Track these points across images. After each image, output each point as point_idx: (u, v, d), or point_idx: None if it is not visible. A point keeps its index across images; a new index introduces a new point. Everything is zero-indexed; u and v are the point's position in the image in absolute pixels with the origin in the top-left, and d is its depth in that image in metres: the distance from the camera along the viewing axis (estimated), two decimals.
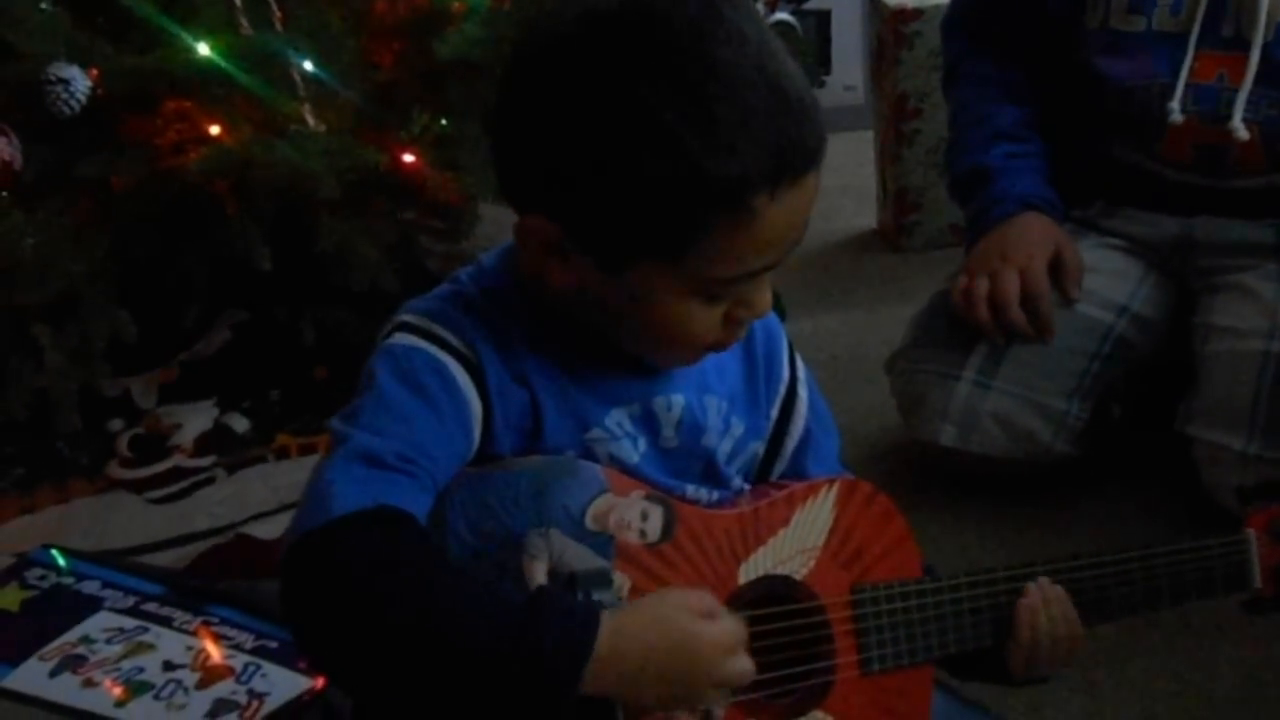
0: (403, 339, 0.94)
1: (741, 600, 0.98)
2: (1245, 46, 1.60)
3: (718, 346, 0.96)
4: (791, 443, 1.09)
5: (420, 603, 0.82)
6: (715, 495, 1.02)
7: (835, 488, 1.04)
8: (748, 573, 0.99)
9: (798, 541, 1.01)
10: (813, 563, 1.02)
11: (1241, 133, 1.60)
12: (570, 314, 0.95)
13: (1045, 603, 1.07)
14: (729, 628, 0.88)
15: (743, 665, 0.88)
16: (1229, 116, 1.60)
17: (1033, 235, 1.70)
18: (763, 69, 0.86)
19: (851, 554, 1.03)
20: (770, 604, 0.99)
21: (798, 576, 1.01)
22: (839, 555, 1.03)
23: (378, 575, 0.82)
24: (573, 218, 0.89)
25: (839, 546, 1.03)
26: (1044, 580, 1.08)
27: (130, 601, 1.49)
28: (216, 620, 1.46)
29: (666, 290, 0.90)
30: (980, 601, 1.07)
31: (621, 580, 0.93)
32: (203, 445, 1.90)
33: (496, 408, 0.93)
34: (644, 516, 0.95)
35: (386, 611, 0.82)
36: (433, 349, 0.93)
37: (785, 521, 1.01)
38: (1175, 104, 1.62)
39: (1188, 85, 1.62)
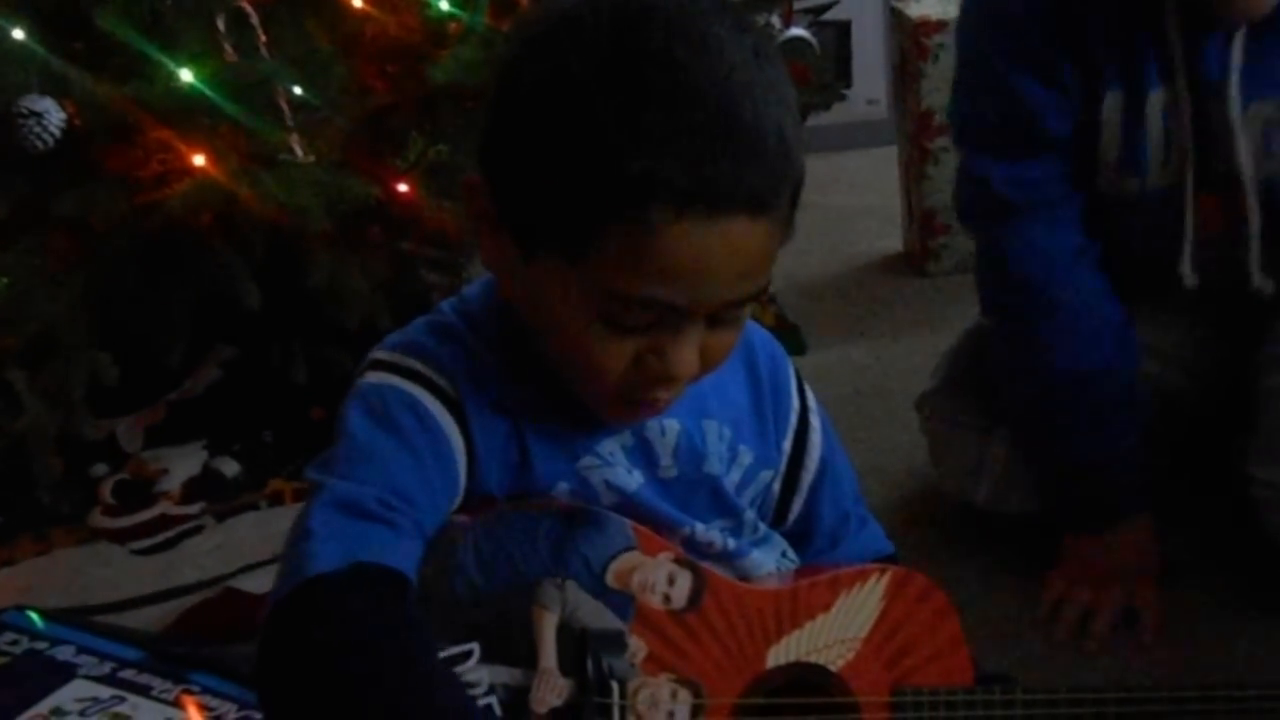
0: (375, 377, 0.91)
1: (767, 686, 0.92)
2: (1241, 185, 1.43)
3: (630, 396, 0.87)
4: (808, 476, 1.03)
5: (378, 693, 0.78)
6: (731, 542, 0.96)
7: (886, 577, 0.97)
8: (777, 656, 0.93)
9: (838, 630, 0.95)
10: (851, 655, 0.95)
11: (1267, 288, 1.46)
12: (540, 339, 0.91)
13: None
14: None
15: None
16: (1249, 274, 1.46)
17: (1143, 554, 1.54)
18: (723, 89, 0.81)
19: (896, 651, 0.96)
20: (798, 693, 0.93)
21: (833, 668, 0.94)
22: (882, 651, 0.95)
23: (341, 655, 0.79)
24: (498, 180, 0.88)
25: (883, 641, 0.95)
26: None
27: (106, 668, 1.43)
28: (198, 689, 1.40)
29: (567, 295, 0.85)
30: None
31: (637, 645, 0.90)
32: (190, 491, 1.84)
33: (479, 441, 0.89)
34: (670, 580, 0.91)
35: (342, 693, 0.78)
36: (406, 384, 0.89)
37: (826, 606, 0.95)
38: (1186, 267, 1.47)
39: (1196, 241, 1.46)
